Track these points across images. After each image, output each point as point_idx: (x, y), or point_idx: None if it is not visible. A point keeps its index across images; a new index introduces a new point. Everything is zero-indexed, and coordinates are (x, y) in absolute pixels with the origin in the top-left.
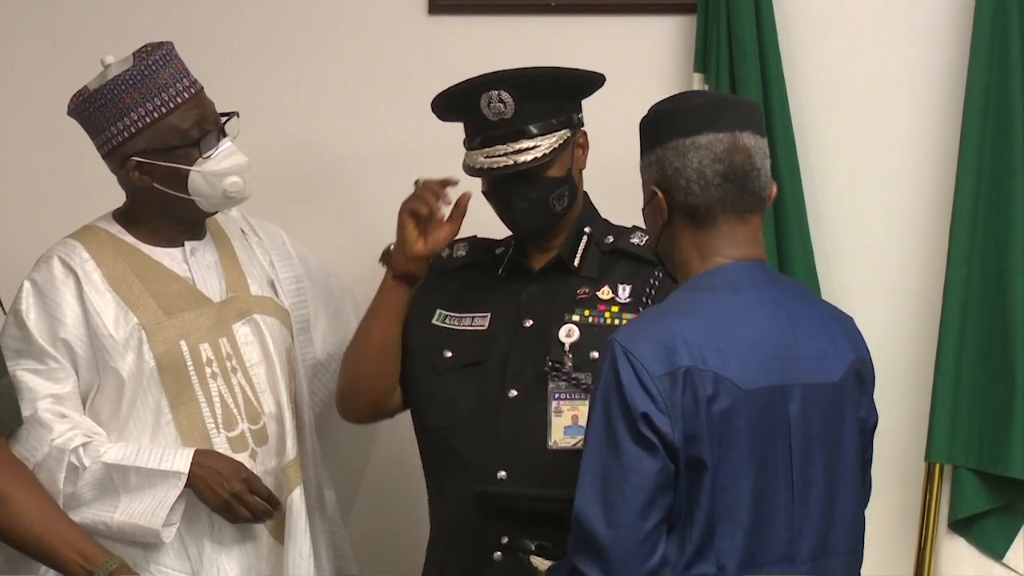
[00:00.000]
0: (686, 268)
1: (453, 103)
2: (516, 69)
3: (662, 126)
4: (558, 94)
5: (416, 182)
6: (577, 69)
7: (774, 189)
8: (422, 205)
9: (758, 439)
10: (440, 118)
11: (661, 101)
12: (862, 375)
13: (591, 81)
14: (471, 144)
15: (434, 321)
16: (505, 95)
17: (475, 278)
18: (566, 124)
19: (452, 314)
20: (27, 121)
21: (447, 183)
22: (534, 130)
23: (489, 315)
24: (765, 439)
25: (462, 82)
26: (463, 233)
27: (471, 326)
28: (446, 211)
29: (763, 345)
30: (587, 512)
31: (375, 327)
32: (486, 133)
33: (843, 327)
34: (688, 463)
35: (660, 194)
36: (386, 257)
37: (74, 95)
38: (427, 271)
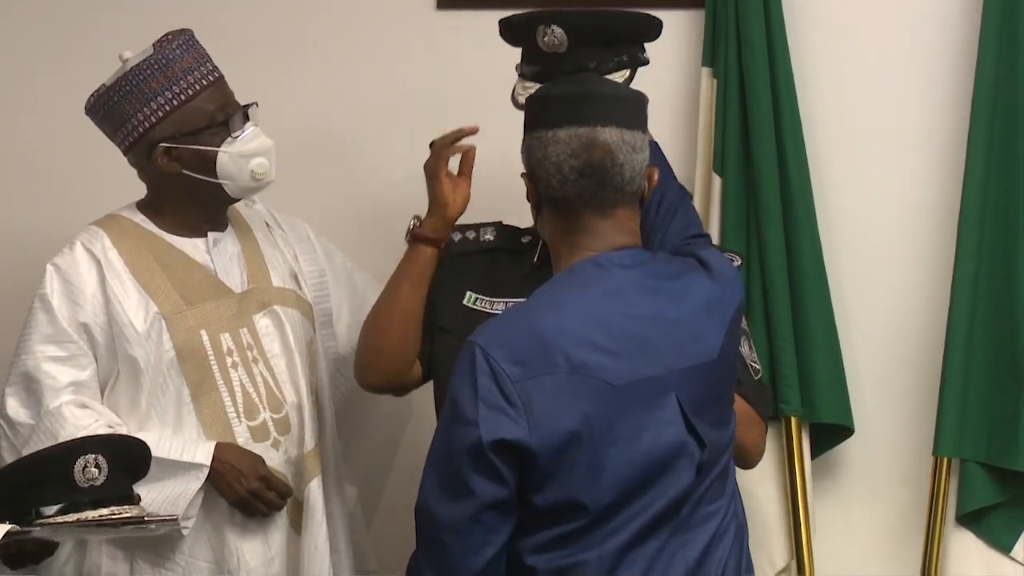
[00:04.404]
0: (557, 259)
1: (511, 32)
2: (571, 10)
3: (531, 115)
4: (615, 40)
5: (431, 144)
6: (632, 15)
7: (656, 177)
8: (448, 154)
9: (635, 434)
10: (505, 39)
11: (542, 86)
12: (739, 319)
13: (649, 28)
14: (524, 70)
15: (465, 303)
16: (558, 30)
17: (505, 263)
18: (628, 64)
19: (484, 297)
20: (39, 117)
21: (460, 134)
22: (591, 66)
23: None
24: (642, 432)
25: (519, 14)
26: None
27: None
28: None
29: (635, 334)
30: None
31: (402, 289)
32: (541, 64)
33: (718, 288)
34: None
35: (530, 181)
36: (413, 232)
37: (92, 94)
38: (449, 253)
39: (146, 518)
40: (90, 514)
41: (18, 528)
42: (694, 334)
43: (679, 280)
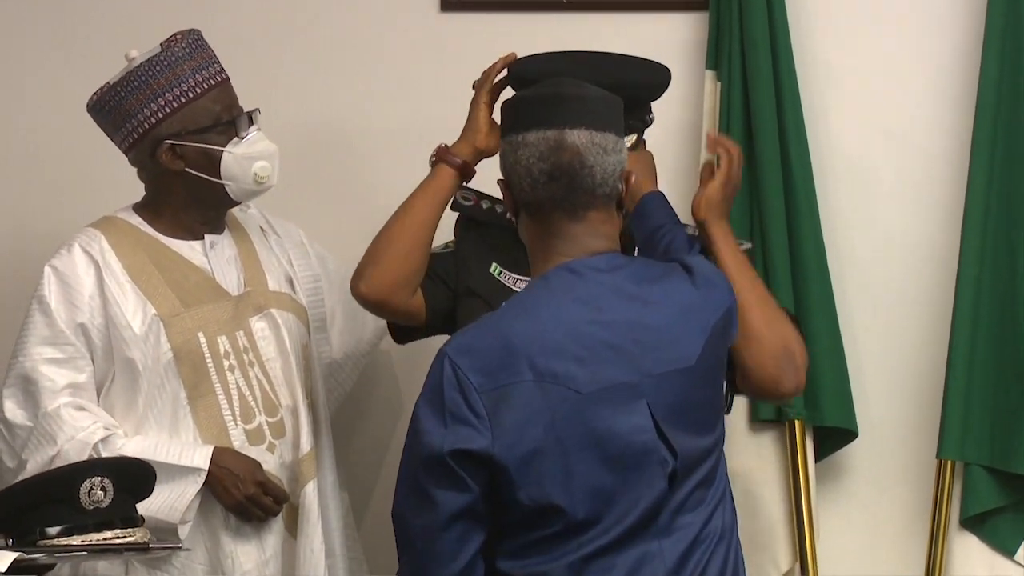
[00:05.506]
0: (535, 264)
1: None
2: (584, 77)
3: (504, 120)
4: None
5: (473, 85)
6: (644, 81)
7: (632, 179)
8: (490, 82)
9: (604, 441)
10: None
11: (519, 92)
12: (726, 325)
13: (654, 90)
14: None
15: (491, 271)
16: None
17: None
18: (635, 128)
19: (508, 272)
20: (38, 118)
21: (503, 63)
22: None
23: None
24: (610, 439)
25: (531, 66)
26: None
27: None
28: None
29: (607, 340)
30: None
31: (414, 204)
32: None
33: (701, 293)
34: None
35: (505, 188)
36: (439, 152)
37: (95, 92)
38: (479, 222)
39: (150, 544)
40: (95, 537)
41: (24, 556)
42: (671, 339)
43: (658, 284)
